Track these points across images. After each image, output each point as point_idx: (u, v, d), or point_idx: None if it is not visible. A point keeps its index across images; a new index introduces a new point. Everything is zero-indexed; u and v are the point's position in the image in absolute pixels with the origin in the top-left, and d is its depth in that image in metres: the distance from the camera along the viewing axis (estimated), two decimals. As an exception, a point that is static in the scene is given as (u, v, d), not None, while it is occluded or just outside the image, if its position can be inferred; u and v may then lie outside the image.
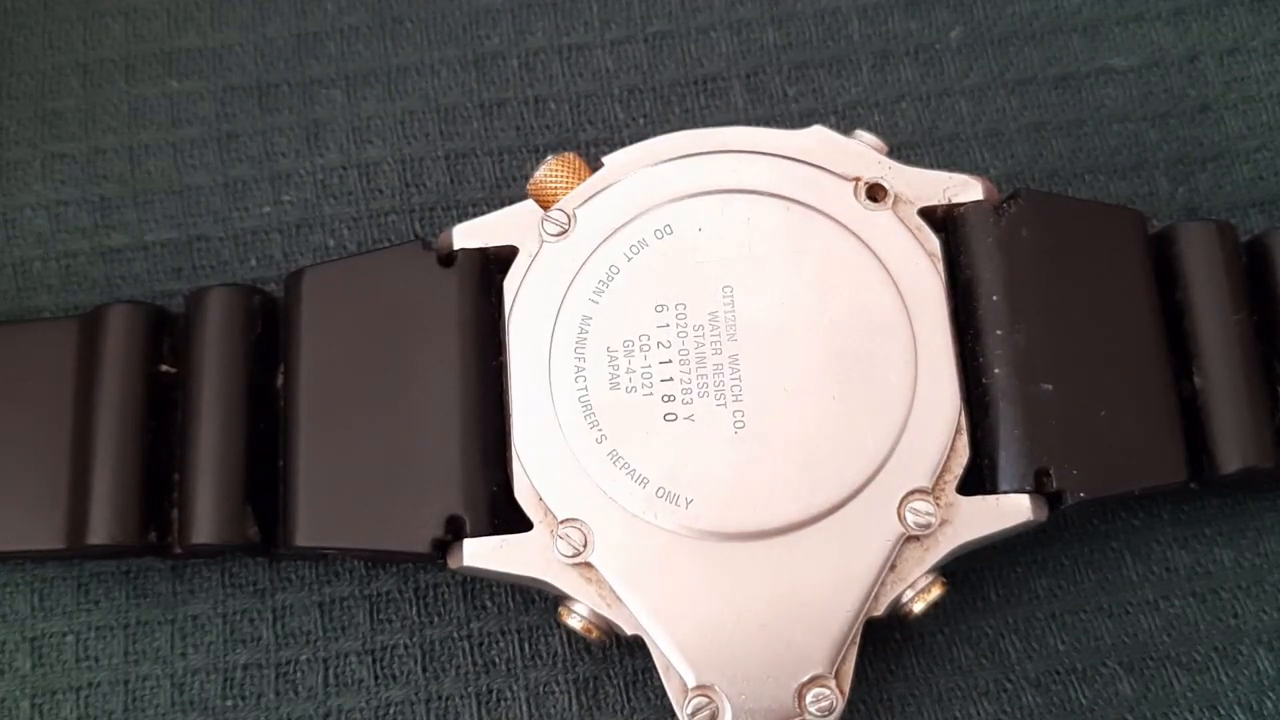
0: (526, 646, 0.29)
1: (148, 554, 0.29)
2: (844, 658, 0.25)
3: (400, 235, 0.33)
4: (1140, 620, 0.29)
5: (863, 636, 0.26)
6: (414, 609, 0.29)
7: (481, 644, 0.29)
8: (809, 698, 0.25)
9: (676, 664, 0.25)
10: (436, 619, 0.29)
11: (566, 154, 0.29)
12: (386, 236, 0.33)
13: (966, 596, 0.29)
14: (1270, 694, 0.28)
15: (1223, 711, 0.28)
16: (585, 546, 0.26)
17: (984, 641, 0.29)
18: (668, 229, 0.28)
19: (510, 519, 0.27)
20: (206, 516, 0.27)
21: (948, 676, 0.28)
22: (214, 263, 0.32)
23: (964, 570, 0.28)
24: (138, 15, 0.34)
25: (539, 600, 0.29)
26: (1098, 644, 0.29)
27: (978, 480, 0.27)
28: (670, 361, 0.27)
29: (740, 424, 0.27)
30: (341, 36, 0.34)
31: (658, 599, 0.26)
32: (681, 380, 0.27)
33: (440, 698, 0.28)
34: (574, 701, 0.28)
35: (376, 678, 0.29)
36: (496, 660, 0.29)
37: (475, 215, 0.30)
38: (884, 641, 0.28)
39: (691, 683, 0.25)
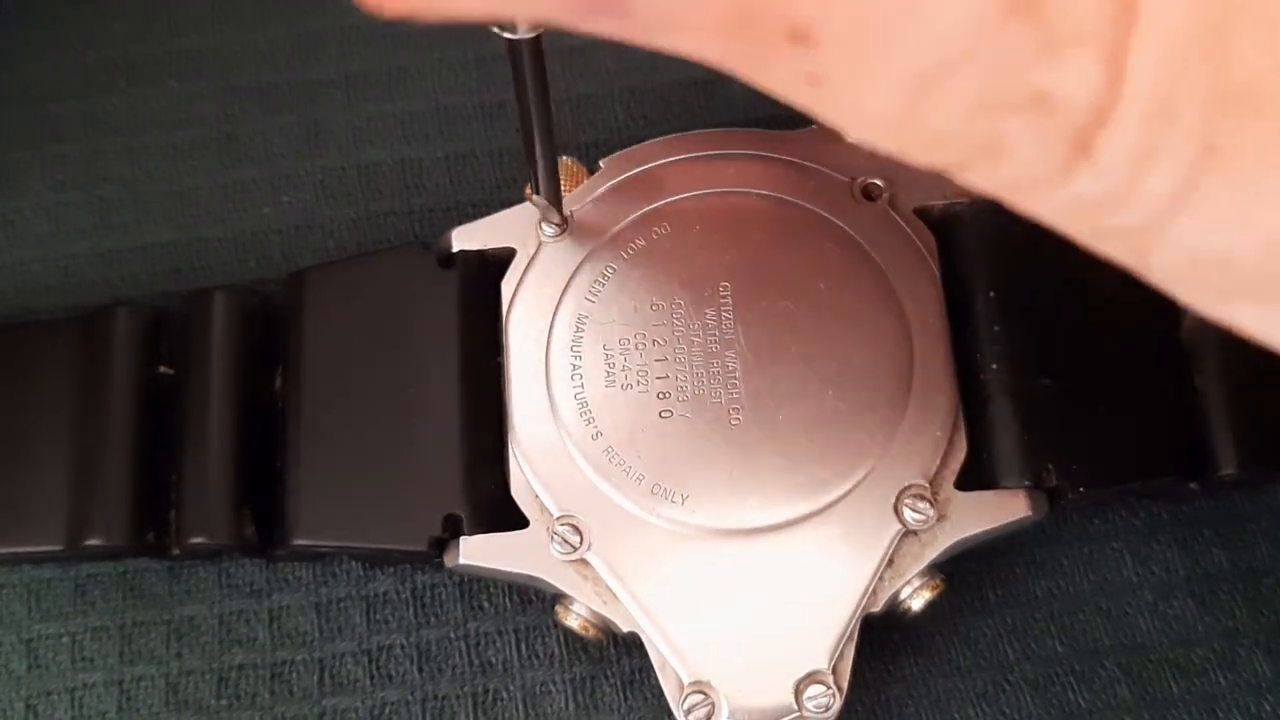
0: (523, 647, 0.29)
1: (145, 555, 0.29)
2: (841, 655, 0.25)
3: (400, 237, 0.33)
4: (1139, 622, 0.29)
5: (860, 634, 0.26)
6: (411, 610, 0.29)
7: (478, 644, 0.29)
8: (806, 695, 0.25)
9: (672, 661, 0.25)
10: (433, 619, 0.29)
11: (563, 159, 0.29)
12: (386, 238, 0.33)
13: (965, 598, 0.29)
14: (1268, 696, 0.28)
15: (1221, 714, 0.28)
16: (581, 543, 0.26)
17: (982, 643, 0.29)
18: (665, 228, 0.28)
19: (507, 517, 0.27)
20: (203, 517, 0.27)
21: (945, 678, 0.28)
22: (213, 264, 0.32)
23: (962, 571, 0.28)
24: (139, 16, 0.34)
25: (536, 600, 0.29)
26: (1096, 646, 0.28)
27: (976, 475, 0.27)
28: (666, 359, 0.27)
29: (736, 420, 0.27)
30: (342, 36, 0.34)
31: (653, 595, 0.26)
32: (677, 377, 0.27)
33: (437, 698, 0.28)
34: (570, 701, 0.28)
35: (372, 678, 0.29)
36: (493, 660, 0.29)
37: (476, 217, 0.30)
38: (881, 643, 0.28)
39: (687, 680, 0.25)
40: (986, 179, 0.15)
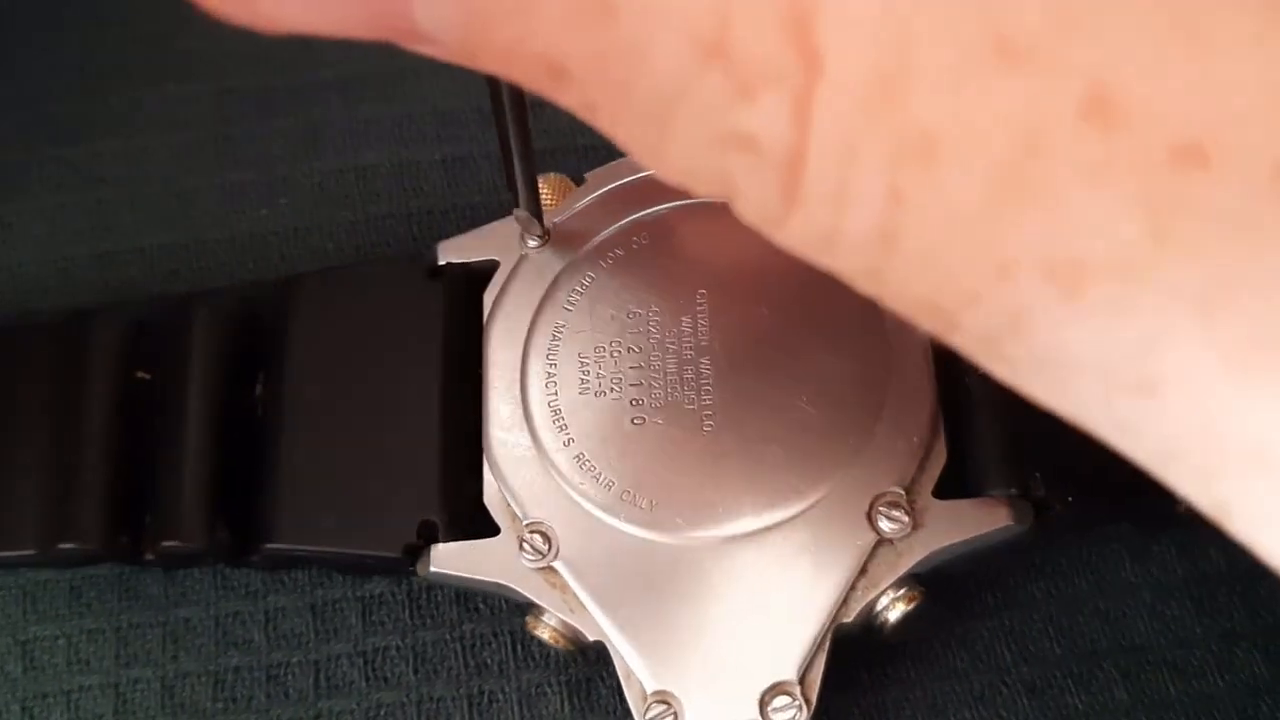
0: (519, 648, 0.29)
1: (119, 560, 0.28)
2: (810, 665, 0.25)
3: (398, 239, 0.33)
4: (1137, 624, 0.28)
5: (833, 644, 0.25)
6: (406, 611, 0.29)
7: (473, 646, 0.29)
8: (771, 706, 0.24)
9: (636, 669, 0.25)
10: (429, 621, 0.29)
11: (550, 174, 0.29)
12: (384, 240, 0.33)
13: (962, 600, 0.28)
14: (1266, 699, 0.27)
15: (1219, 716, 0.27)
16: (550, 550, 0.26)
17: (979, 645, 0.28)
18: (644, 238, 0.28)
19: (481, 525, 0.27)
20: (177, 522, 0.27)
21: (942, 682, 0.28)
22: (211, 266, 0.32)
23: (959, 574, 0.28)
24: (137, 18, 0.35)
25: (531, 603, 0.29)
26: (1094, 648, 0.28)
27: (959, 484, 0.26)
28: (640, 366, 0.27)
29: (709, 426, 0.26)
30: (340, 39, 0.34)
31: (619, 603, 0.25)
32: (650, 383, 0.27)
33: (432, 699, 0.28)
34: (566, 703, 0.28)
35: (368, 680, 0.28)
36: (489, 662, 0.29)
37: (473, 219, 0.30)
38: (877, 646, 0.28)
39: (650, 688, 0.25)
40: (742, 214, 0.16)
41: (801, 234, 0.15)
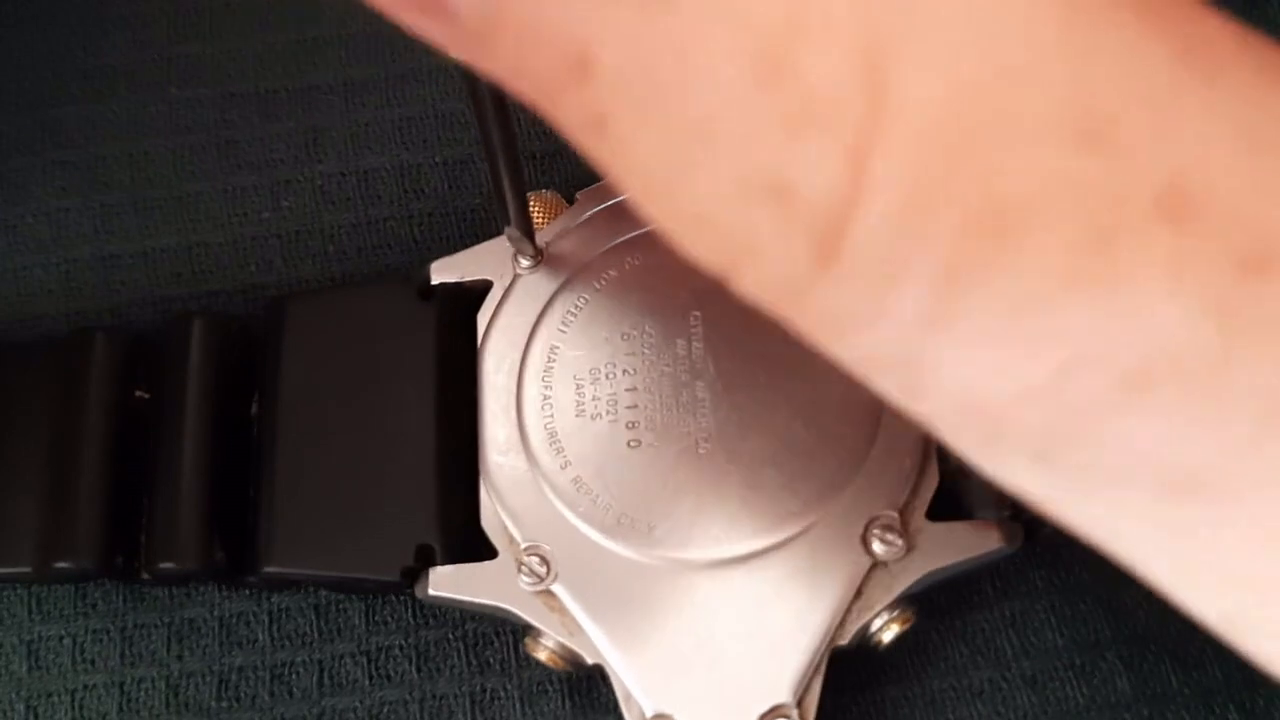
0: (520, 647, 0.28)
1: (115, 579, 0.29)
2: (808, 688, 0.25)
3: (399, 241, 0.33)
4: (1138, 613, 0.28)
5: (829, 667, 0.25)
6: (409, 611, 0.29)
7: (476, 645, 0.29)
8: None
9: (635, 692, 0.25)
10: (432, 620, 0.29)
11: (542, 192, 0.29)
12: (385, 243, 0.33)
13: (962, 591, 0.29)
14: (1261, 690, 0.27)
15: (1217, 710, 0.27)
16: (548, 574, 0.26)
17: (979, 638, 0.28)
18: (637, 259, 0.28)
19: (478, 548, 0.27)
20: (172, 542, 0.27)
21: (941, 677, 0.28)
22: (214, 269, 0.32)
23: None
24: (139, 22, 0.35)
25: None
26: (1097, 638, 0.28)
27: (951, 505, 0.26)
28: (636, 389, 0.27)
29: (704, 450, 0.26)
30: (341, 43, 0.34)
31: (618, 626, 0.25)
32: (646, 406, 0.27)
33: (434, 697, 0.28)
34: (566, 700, 0.28)
35: (371, 678, 0.29)
36: (491, 660, 0.29)
37: (473, 221, 0.30)
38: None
39: (650, 712, 0.25)
40: (752, 281, 0.14)
41: (826, 310, 0.13)
